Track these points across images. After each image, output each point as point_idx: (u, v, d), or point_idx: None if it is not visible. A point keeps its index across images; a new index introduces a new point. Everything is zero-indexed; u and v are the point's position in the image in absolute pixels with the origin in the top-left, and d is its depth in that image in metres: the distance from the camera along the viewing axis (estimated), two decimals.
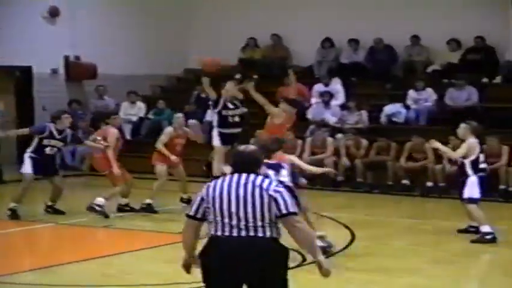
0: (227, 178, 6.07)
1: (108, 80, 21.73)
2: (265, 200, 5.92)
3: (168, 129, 14.44)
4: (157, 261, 10.34)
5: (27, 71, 21.21)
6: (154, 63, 23.04)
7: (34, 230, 12.82)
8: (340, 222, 13.01)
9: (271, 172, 9.77)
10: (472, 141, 11.88)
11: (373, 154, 17.59)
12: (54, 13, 21.45)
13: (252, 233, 5.90)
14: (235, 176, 6.05)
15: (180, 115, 14.82)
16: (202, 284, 6.01)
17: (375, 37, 20.97)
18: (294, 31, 22.02)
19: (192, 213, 6.11)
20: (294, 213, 5.96)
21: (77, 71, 21.93)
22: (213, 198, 6.00)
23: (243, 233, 5.91)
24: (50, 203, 13.89)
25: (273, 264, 5.91)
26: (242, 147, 6.26)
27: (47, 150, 13.60)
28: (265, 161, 9.53)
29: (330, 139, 18.04)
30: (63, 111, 14.51)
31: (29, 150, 13.70)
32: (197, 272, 6.08)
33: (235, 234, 5.91)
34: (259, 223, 5.91)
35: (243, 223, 5.92)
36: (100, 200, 13.43)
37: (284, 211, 5.91)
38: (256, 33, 22.63)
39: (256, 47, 22.91)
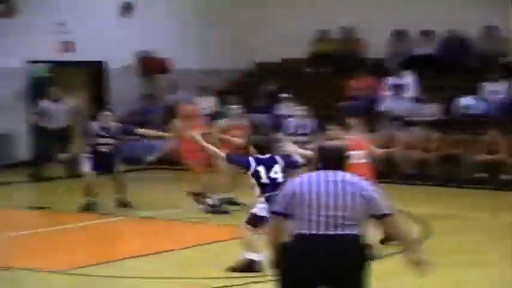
0: (314, 174, 5.89)
1: (180, 74, 21.65)
2: (357, 198, 5.81)
3: (222, 122, 14.12)
4: (224, 255, 10.16)
5: (100, 67, 21.27)
6: (226, 57, 22.88)
7: (106, 223, 12.76)
8: (416, 216, 12.67)
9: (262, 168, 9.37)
10: None
11: (446, 147, 17.16)
12: (127, 8, 21.48)
13: (341, 231, 5.76)
14: (323, 172, 5.90)
15: (235, 107, 14.35)
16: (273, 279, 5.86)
17: (447, 28, 20.45)
18: (366, 23, 21.60)
19: (280, 210, 5.89)
20: (392, 213, 5.92)
21: (150, 66, 21.93)
22: (302, 194, 5.80)
23: (333, 231, 5.76)
24: (117, 197, 13.83)
25: (360, 262, 5.77)
26: (328, 143, 6.14)
27: (100, 148, 13.54)
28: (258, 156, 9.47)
29: (401, 132, 17.67)
30: (108, 108, 14.41)
31: (84, 150, 13.79)
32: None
33: (325, 231, 5.76)
34: (349, 221, 5.77)
35: (333, 220, 5.78)
36: (211, 200, 13.19)
37: (385, 211, 5.87)
38: (327, 26, 22.28)
39: (328, 39, 22.54)
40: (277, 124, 17.96)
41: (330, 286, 5.74)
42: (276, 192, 8.75)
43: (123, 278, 9.05)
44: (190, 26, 22.59)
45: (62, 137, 17.69)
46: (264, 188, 9.31)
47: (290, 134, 13.88)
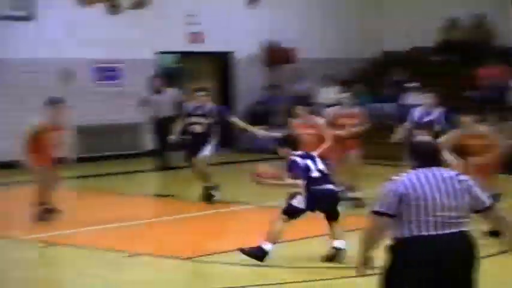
0: (422, 173, 5.73)
1: (306, 63, 21.56)
2: (465, 193, 5.68)
3: (331, 110, 13.51)
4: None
5: (227, 57, 21.39)
6: (351, 46, 22.65)
7: (232, 212, 12.79)
8: None
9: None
10: None
11: None
12: (254, 0, 21.55)
13: (456, 229, 5.63)
14: (426, 170, 5.74)
15: (344, 95, 13.95)
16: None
17: None
18: (497, 9, 20.96)
19: (384, 210, 5.70)
20: (494, 204, 5.81)
21: (276, 56, 21.92)
22: (416, 195, 5.64)
23: (451, 230, 5.62)
24: (205, 186, 13.40)
25: (476, 259, 5.63)
26: (421, 139, 6.30)
27: (193, 128, 13.25)
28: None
29: None
30: (197, 88, 14.11)
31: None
32: None
33: (444, 231, 5.61)
34: (461, 218, 5.64)
35: (448, 219, 5.63)
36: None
37: (487, 204, 5.74)
38: (456, 13, 21.73)
39: (457, 28, 21.96)
40: (403, 113, 17.63)
41: (448, 286, 5.61)
42: (327, 187, 9.25)
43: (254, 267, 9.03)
44: (316, 16, 22.46)
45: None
46: (313, 181, 9.24)
47: (415, 124, 13.45)
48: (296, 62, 21.78)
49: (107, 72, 19.18)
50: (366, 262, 5.85)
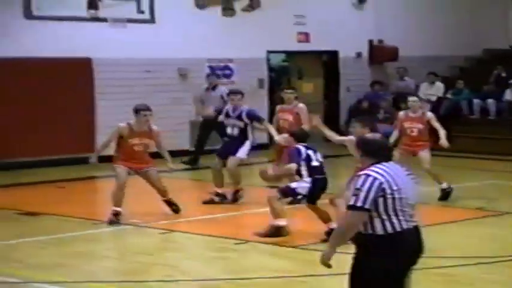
0: (387, 166, 5.69)
1: (409, 61, 21.80)
2: (416, 188, 5.82)
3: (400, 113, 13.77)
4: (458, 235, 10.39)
5: (334, 55, 21.82)
6: (454, 44, 22.75)
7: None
8: None
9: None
10: None
11: None
12: (361, 1, 21.88)
13: (415, 222, 5.73)
14: (390, 163, 5.73)
15: (414, 99, 13.76)
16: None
17: None
18: None
19: (363, 204, 5.57)
20: None
21: (380, 54, 22.22)
22: (391, 188, 5.60)
23: (415, 223, 5.70)
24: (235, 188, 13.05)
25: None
26: (372, 136, 6.24)
27: (227, 130, 13.15)
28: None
29: None
30: (235, 90, 13.74)
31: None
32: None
33: (412, 225, 5.67)
34: (415, 211, 5.76)
35: (412, 212, 5.70)
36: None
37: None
38: None
39: None
40: (503, 109, 17.83)
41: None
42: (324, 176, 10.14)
43: None
44: (418, 14, 22.62)
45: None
46: (313, 170, 10.11)
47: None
48: (399, 59, 22.05)
49: (220, 71, 19.85)
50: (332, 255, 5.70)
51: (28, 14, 13.42)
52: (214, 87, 17.58)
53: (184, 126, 19.09)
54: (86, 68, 17.47)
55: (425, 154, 13.04)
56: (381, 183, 5.56)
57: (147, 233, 10.99)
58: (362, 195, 5.56)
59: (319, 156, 10.33)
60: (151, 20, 14.82)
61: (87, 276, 8.86)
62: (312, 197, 10.21)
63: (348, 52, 21.75)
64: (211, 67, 19.59)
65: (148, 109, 11.67)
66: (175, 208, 11.95)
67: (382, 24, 21.99)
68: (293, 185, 10.12)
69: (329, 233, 9.51)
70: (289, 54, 21.73)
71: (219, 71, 19.69)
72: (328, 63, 21.97)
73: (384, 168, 5.65)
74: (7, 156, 16.56)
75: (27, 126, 16.70)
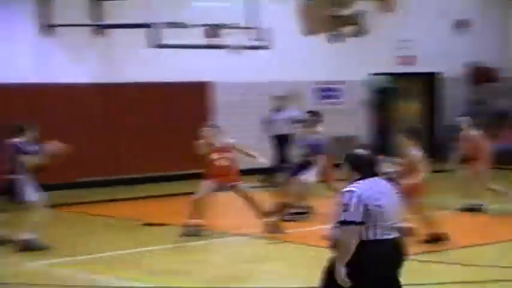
0: (370, 182, 5.95)
1: (508, 82, 22.32)
2: (398, 201, 6.14)
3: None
4: None
5: (435, 77, 22.54)
6: None
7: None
8: None
9: None
10: None
11: None
12: (462, 25, 22.52)
13: (397, 233, 6.00)
14: (374, 179, 5.99)
15: (464, 119, 14.17)
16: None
17: None
18: None
19: (356, 219, 5.82)
20: None
21: (480, 75, 22.70)
22: (378, 202, 5.87)
23: (395, 234, 5.97)
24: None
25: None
26: (359, 152, 6.14)
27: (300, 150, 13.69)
28: None
29: None
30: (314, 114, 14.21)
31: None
32: None
33: (392, 235, 5.93)
34: (397, 224, 6.03)
35: (393, 224, 5.96)
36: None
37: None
38: None
39: None
40: None
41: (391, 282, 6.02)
42: None
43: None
44: None
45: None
46: None
47: None
48: (499, 80, 22.58)
49: (328, 92, 20.93)
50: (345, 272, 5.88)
51: (154, 43, 14.71)
52: (283, 109, 18.04)
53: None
54: (205, 91, 18.88)
55: None
56: (365, 198, 5.81)
57: (255, 243, 11.80)
58: (353, 210, 5.78)
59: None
60: (267, 47, 15.96)
61: (203, 282, 9.60)
62: None
63: (449, 73, 22.44)
64: (320, 89, 20.71)
65: (211, 126, 12.68)
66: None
67: (482, 46, 22.57)
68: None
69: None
70: (393, 76, 22.62)
71: (327, 92, 20.78)
72: (429, 84, 22.71)
73: (366, 183, 5.90)
74: (133, 171, 18.06)
75: (153, 144, 18.18)
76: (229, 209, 14.57)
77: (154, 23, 14.74)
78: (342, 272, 5.85)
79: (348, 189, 5.91)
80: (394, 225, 5.95)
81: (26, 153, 11.17)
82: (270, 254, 11.26)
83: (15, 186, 11.17)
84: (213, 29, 15.51)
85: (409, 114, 21.64)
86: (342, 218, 5.84)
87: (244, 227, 12.76)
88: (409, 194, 10.49)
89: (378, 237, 5.86)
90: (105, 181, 17.55)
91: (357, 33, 21.12)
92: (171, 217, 13.60)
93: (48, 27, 16.93)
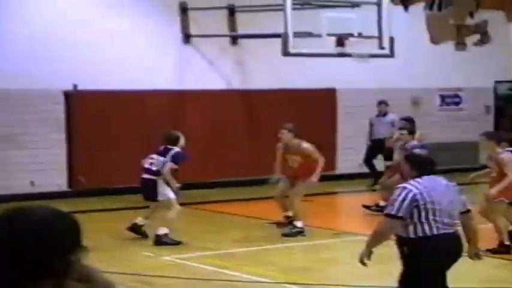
0: (429, 180, 6.25)
1: None
2: (458, 198, 6.41)
3: None
4: None
5: None
6: None
7: None
8: None
9: None
10: None
11: None
12: None
13: (453, 229, 6.34)
14: (430, 178, 6.28)
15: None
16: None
17: None
18: None
19: (401, 214, 6.15)
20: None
21: None
22: (429, 199, 6.13)
23: (451, 230, 6.29)
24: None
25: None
26: (418, 152, 6.80)
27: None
28: None
29: None
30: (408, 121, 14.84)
31: None
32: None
33: (447, 231, 6.22)
34: (455, 220, 6.37)
35: (449, 221, 6.25)
36: None
37: (468, 207, 6.53)
38: None
39: None
40: None
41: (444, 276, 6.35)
42: None
43: None
44: None
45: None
46: None
47: None
48: None
49: (450, 99, 21.26)
50: (368, 255, 6.40)
51: (286, 52, 15.39)
52: (384, 114, 18.28)
53: None
54: (331, 97, 19.58)
55: None
56: (414, 195, 6.13)
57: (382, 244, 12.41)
58: (396, 204, 6.14)
59: None
60: (391, 55, 16.45)
61: (331, 279, 10.17)
62: None
63: None
64: (441, 95, 21.08)
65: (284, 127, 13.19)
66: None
67: None
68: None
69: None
70: None
71: (449, 99, 21.13)
72: None
73: (421, 181, 6.20)
74: (269, 172, 18.85)
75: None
76: (352, 210, 15.13)
77: (285, 33, 15.42)
78: (365, 255, 6.37)
79: (401, 185, 6.30)
80: (452, 222, 6.23)
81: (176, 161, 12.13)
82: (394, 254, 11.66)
83: (154, 186, 12.10)
84: (341, 39, 16.06)
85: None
86: (386, 211, 6.29)
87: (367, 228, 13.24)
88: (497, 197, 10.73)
89: (435, 232, 6.12)
90: (242, 181, 18.16)
91: (481, 42, 21.36)
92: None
93: (187, 37, 17.95)
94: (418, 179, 6.25)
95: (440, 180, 6.35)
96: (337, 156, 19.34)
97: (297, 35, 15.11)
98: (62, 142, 16.92)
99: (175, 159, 12.08)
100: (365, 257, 6.40)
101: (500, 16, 21.40)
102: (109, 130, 16.67)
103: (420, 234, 6.16)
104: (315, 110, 19.17)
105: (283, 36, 14.90)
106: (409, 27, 19.34)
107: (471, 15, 20.95)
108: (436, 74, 20.71)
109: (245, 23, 18.06)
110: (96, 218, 14.20)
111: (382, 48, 16.24)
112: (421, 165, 6.38)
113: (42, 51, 16.41)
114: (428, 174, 6.31)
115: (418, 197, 6.13)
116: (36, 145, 16.56)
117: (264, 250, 11.89)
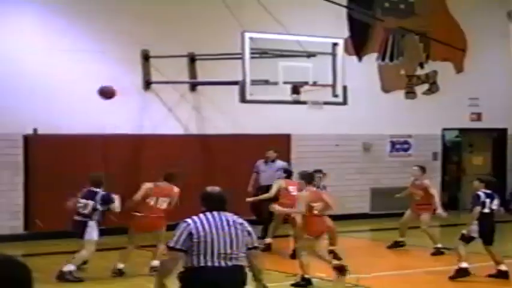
0: (209, 215, 6.60)
1: None
2: (243, 233, 6.70)
3: None
4: None
5: (503, 132, 23.05)
6: None
7: None
8: None
9: None
10: None
11: None
12: None
13: (233, 262, 6.57)
14: (215, 213, 6.64)
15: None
16: None
17: None
18: None
19: (178, 246, 6.52)
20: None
21: None
22: (204, 233, 6.47)
23: (229, 263, 6.55)
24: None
25: (244, 286, 6.73)
26: (210, 188, 6.85)
27: None
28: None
29: None
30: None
31: None
32: None
33: (222, 264, 6.51)
34: (236, 254, 6.61)
35: (226, 254, 6.54)
36: None
37: (255, 244, 6.87)
38: None
39: None
40: None
41: None
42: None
43: None
44: None
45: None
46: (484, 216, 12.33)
47: None
48: None
49: (400, 145, 21.62)
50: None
51: (243, 99, 15.55)
52: (273, 160, 17.62)
53: (366, 192, 21.00)
54: (286, 142, 19.76)
55: None
56: (190, 228, 6.52)
57: (332, 287, 12.64)
58: (175, 237, 6.56)
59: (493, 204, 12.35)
60: (344, 103, 16.72)
61: None
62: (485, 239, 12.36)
63: None
64: (392, 142, 21.43)
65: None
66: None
67: None
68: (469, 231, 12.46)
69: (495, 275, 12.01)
70: (462, 131, 23.12)
71: (398, 146, 21.49)
72: (497, 139, 23.18)
73: (202, 216, 6.62)
74: None
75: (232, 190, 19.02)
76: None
77: (242, 81, 15.57)
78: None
79: (185, 220, 6.68)
80: (227, 255, 6.53)
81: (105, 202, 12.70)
82: None
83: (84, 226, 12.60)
84: (296, 86, 16.27)
85: (478, 166, 22.19)
86: (169, 244, 6.64)
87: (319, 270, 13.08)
88: None
89: (202, 264, 6.47)
90: None
91: (430, 91, 21.87)
92: None
93: (148, 84, 18.06)
94: (201, 214, 6.63)
95: (225, 216, 6.66)
96: None
97: (254, 82, 15.30)
98: (20, 185, 16.80)
99: (104, 202, 12.67)
100: None
101: (448, 67, 22.01)
102: (68, 173, 16.57)
103: (189, 264, 6.53)
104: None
105: (240, 84, 15.07)
106: (362, 76, 19.76)
107: (421, 65, 21.54)
108: (387, 121, 21.05)
109: (205, 71, 18.25)
110: (51, 260, 14.16)
111: (335, 96, 16.47)
112: (207, 201, 6.75)
113: (3, 95, 16.37)
114: (212, 210, 6.66)
115: (194, 231, 6.50)
116: None
117: None
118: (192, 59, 18.32)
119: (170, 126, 18.35)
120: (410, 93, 21.66)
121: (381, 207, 20.59)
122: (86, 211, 12.61)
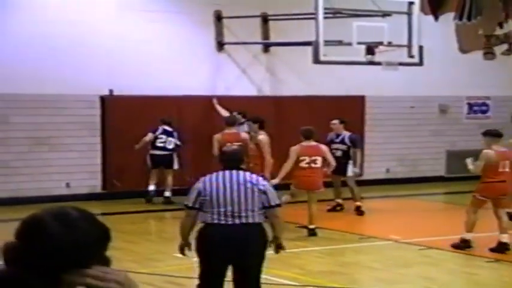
0: (220, 174, 6.74)
1: None
2: (256, 193, 6.68)
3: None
4: None
5: None
6: None
7: None
8: None
9: None
10: None
11: None
12: None
13: (240, 220, 6.64)
14: (226, 172, 6.74)
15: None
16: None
17: None
18: None
19: (191, 204, 6.79)
20: (278, 205, 6.87)
21: None
22: (211, 191, 6.63)
23: (237, 221, 6.64)
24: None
25: (257, 244, 6.72)
26: (226, 148, 6.98)
27: (335, 153, 15.12)
28: None
29: None
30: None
31: None
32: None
33: (228, 221, 6.64)
34: (245, 212, 6.65)
35: (232, 212, 6.62)
36: None
37: (272, 203, 6.79)
38: None
39: None
40: None
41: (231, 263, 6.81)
42: None
43: None
44: None
45: None
46: None
47: None
48: None
49: (478, 107, 21.12)
50: (185, 246, 7.01)
51: (316, 60, 15.35)
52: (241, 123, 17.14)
53: (442, 155, 20.60)
54: (360, 104, 19.49)
55: None
56: (199, 186, 6.75)
57: (406, 248, 12.17)
58: (189, 195, 6.86)
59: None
60: (420, 63, 16.35)
61: (356, 283, 10.23)
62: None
63: None
64: (469, 104, 20.94)
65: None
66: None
67: None
68: None
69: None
70: None
71: (476, 108, 21.00)
72: None
73: (214, 174, 6.77)
74: None
75: None
76: (378, 215, 15.17)
77: (315, 41, 15.38)
78: (180, 244, 7.08)
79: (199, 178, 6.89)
80: (236, 214, 6.60)
81: None
82: (421, 259, 11.54)
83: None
84: (371, 47, 16.02)
85: None
86: (184, 202, 6.96)
87: (393, 232, 13.27)
88: None
89: (209, 221, 6.66)
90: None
91: (509, 51, 21.20)
92: (321, 221, 13.74)
93: (221, 45, 17.98)
94: (214, 173, 6.80)
95: (237, 175, 6.71)
96: (364, 163, 19.19)
97: (328, 43, 15.06)
98: (97, 145, 17.00)
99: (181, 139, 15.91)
100: (187, 249, 7.09)
101: None
102: (142, 134, 16.68)
103: (202, 221, 6.79)
104: (344, 116, 19.04)
105: (314, 44, 14.84)
106: (439, 36, 19.27)
107: (500, 25, 20.88)
108: (464, 83, 20.54)
109: (277, 31, 18.05)
110: (128, 219, 14.23)
111: (411, 56, 16.17)
112: (221, 160, 6.96)
113: (80, 57, 16.49)
114: (228, 168, 6.77)
115: (202, 189, 6.70)
116: (71, 148, 16.66)
117: (291, 253, 11.80)
118: (265, 19, 18.15)
119: (243, 88, 18.28)
120: (488, 54, 20.98)
121: (457, 170, 20.17)
122: (170, 146, 15.96)
